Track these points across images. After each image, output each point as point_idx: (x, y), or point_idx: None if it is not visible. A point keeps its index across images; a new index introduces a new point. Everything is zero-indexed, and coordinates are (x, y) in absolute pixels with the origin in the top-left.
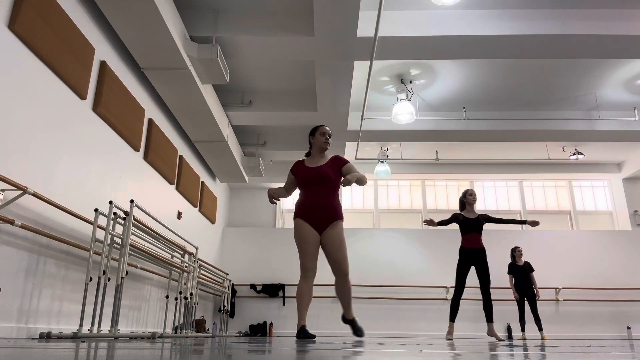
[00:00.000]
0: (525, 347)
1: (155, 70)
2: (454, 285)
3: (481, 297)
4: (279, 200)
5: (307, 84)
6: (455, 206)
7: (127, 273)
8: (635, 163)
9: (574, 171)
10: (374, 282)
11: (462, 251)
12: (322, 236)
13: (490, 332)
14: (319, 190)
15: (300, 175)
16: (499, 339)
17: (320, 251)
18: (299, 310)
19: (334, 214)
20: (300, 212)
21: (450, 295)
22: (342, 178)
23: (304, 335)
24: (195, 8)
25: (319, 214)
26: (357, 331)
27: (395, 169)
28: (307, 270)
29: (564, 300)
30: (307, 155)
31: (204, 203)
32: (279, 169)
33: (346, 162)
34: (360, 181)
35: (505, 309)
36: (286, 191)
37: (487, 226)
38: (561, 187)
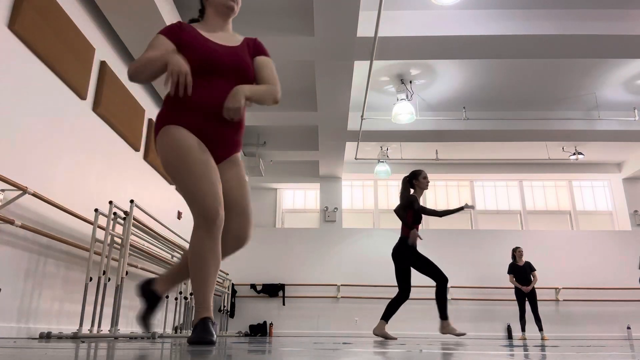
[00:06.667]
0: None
1: None
2: (455, 285)
3: (456, 296)
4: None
5: (307, 84)
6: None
7: (127, 273)
8: (635, 163)
9: (574, 171)
10: (374, 282)
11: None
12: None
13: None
14: (229, 87)
15: (200, 51)
16: (460, 334)
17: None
18: (203, 288)
19: (240, 139)
20: (187, 117)
21: (450, 296)
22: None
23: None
24: (195, 8)
25: (224, 131)
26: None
27: (395, 169)
28: (216, 216)
29: (564, 300)
30: (194, 21)
31: None
32: (279, 169)
33: (266, 53)
34: (263, 99)
35: (506, 309)
36: (151, 75)
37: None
38: (561, 187)
